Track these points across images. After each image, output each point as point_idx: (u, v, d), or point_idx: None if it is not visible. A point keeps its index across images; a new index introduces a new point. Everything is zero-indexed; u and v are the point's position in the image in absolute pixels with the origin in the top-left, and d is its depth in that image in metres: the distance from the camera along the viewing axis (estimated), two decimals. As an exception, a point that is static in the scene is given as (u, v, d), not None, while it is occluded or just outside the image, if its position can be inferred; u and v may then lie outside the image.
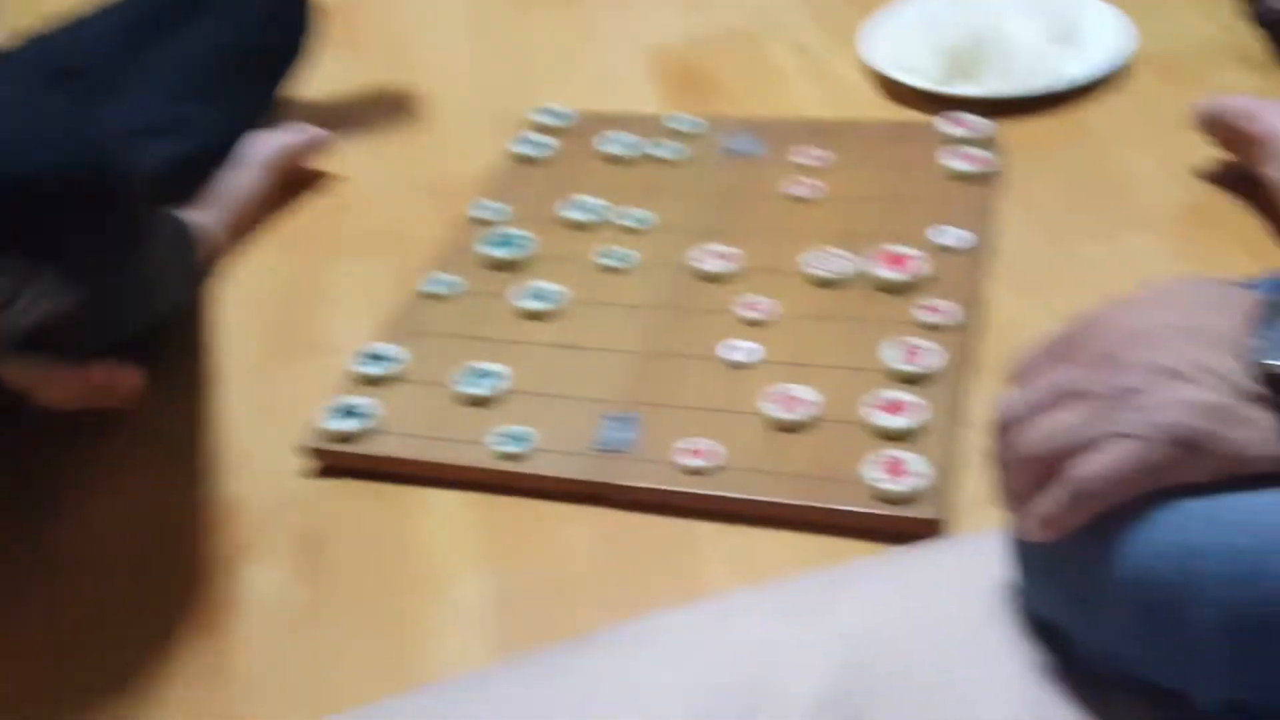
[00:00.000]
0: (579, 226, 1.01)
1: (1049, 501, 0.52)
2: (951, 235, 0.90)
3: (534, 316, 0.92)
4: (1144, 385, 0.50)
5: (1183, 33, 1.15)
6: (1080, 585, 0.54)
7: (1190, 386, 0.49)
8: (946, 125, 1.03)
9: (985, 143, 1.01)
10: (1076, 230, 0.93)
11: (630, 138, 1.09)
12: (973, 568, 0.65)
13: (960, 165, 0.98)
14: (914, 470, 0.71)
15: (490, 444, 0.81)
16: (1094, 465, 0.50)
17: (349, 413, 0.84)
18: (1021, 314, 0.86)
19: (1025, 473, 0.54)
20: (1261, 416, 0.48)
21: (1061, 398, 0.52)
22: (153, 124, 1.02)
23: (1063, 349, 0.55)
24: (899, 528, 0.71)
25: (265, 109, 1.15)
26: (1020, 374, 0.57)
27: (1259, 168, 0.87)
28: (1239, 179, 0.94)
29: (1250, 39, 1.12)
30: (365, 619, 0.74)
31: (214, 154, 1.07)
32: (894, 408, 0.76)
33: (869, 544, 0.71)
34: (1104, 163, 1.00)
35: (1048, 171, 1.00)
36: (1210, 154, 0.96)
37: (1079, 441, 0.51)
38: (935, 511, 0.70)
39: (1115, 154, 1.01)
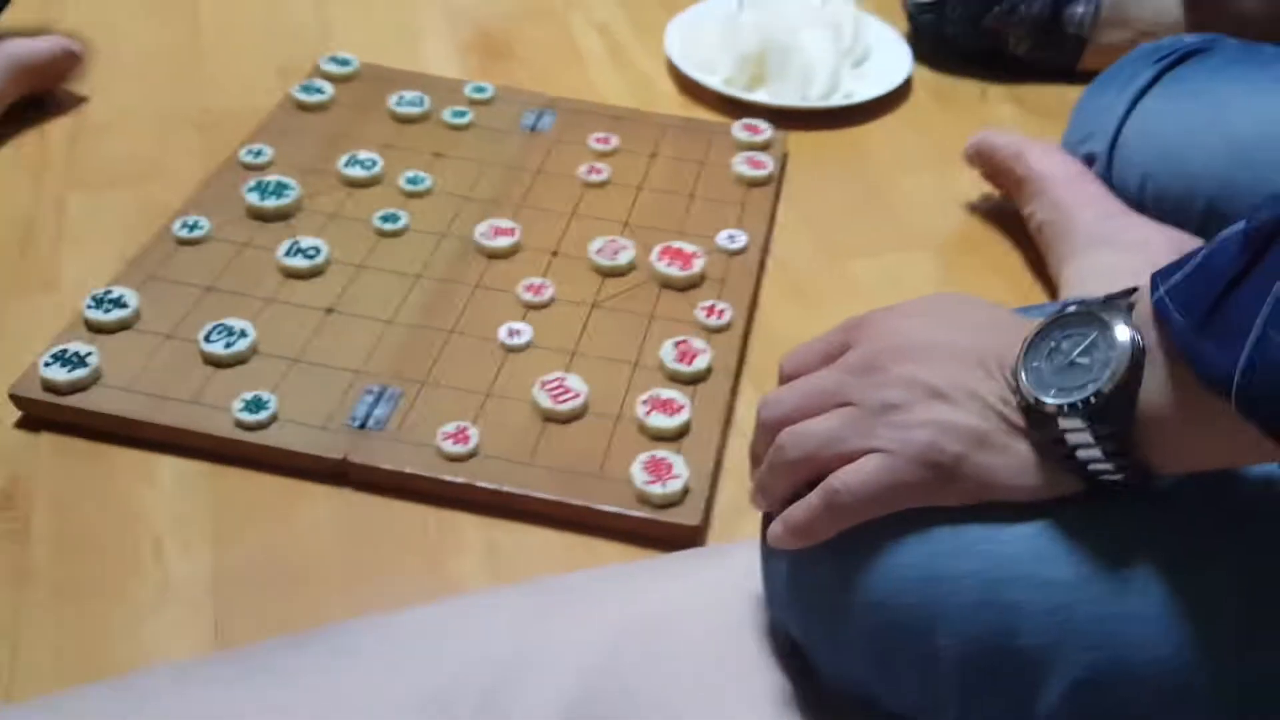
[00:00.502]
0: (355, 183, 0.88)
1: (802, 509, 0.47)
2: (734, 237, 0.84)
3: (295, 274, 0.79)
4: (904, 401, 0.45)
5: (958, 65, 1.14)
6: (822, 606, 0.49)
7: (950, 408, 0.45)
8: (739, 129, 0.97)
9: (773, 150, 0.96)
10: (848, 244, 0.90)
11: (420, 97, 0.98)
12: (728, 579, 0.59)
13: (747, 170, 0.92)
14: (679, 473, 0.64)
15: (227, 409, 0.68)
16: (847, 477, 0.46)
17: (69, 360, 0.69)
18: (791, 322, 0.81)
19: (782, 475, 0.49)
20: (1019, 446, 0.44)
21: (826, 401, 0.48)
22: None
23: (834, 351, 0.50)
24: (659, 532, 0.64)
25: None
26: (789, 371, 0.52)
27: (1022, 205, 0.86)
28: (1002, 212, 0.93)
29: (1024, 73, 1.13)
30: (68, 593, 0.61)
31: None
32: (665, 406, 0.68)
33: (629, 547, 0.64)
34: (879, 181, 0.97)
35: (827, 185, 0.96)
36: (977, 183, 0.95)
37: (836, 450, 0.46)
38: (696, 518, 0.63)
39: (890, 174, 0.98)
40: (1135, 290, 0.43)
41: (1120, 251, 0.76)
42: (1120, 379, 0.40)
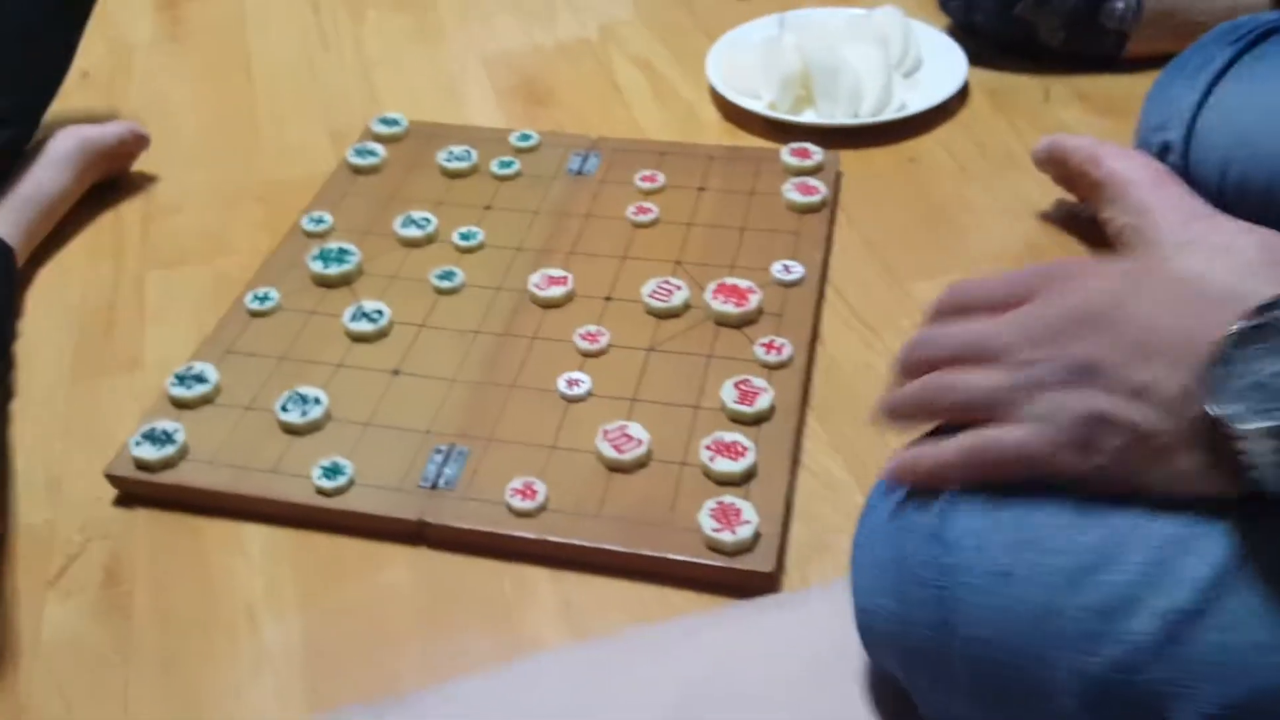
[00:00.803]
0: (411, 243, 0.91)
1: (937, 453, 0.47)
2: (789, 268, 0.85)
3: (361, 338, 0.82)
4: (1076, 381, 0.44)
5: (1018, 65, 1.12)
6: (925, 643, 0.48)
7: (1124, 401, 0.43)
8: (787, 154, 0.97)
9: (824, 173, 0.96)
10: (911, 266, 0.89)
11: (467, 150, 1.00)
12: (807, 625, 0.59)
13: (799, 196, 0.92)
14: (748, 519, 0.65)
15: (306, 476, 0.71)
16: (1001, 437, 0.45)
17: (157, 438, 0.73)
18: (855, 352, 0.81)
19: (923, 413, 0.49)
20: (1183, 457, 0.42)
21: (991, 357, 0.47)
22: None
23: (1013, 297, 0.48)
24: (732, 580, 0.64)
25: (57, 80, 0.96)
26: (954, 306, 0.50)
27: (1100, 210, 0.84)
28: (1077, 219, 0.92)
29: (1086, 70, 1.11)
30: (172, 666, 0.64)
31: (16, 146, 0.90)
32: (729, 450, 0.69)
33: (702, 595, 0.65)
34: (939, 196, 0.97)
35: (884, 204, 0.96)
36: (1047, 190, 0.94)
37: (994, 412, 0.46)
38: (769, 564, 0.64)
39: (951, 188, 0.98)
40: None
41: (1207, 255, 0.73)
42: None
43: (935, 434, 0.50)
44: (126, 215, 0.99)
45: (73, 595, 0.68)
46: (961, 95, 1.08)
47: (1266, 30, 0.80)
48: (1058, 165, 0.88)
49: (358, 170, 1.00)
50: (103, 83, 1.19)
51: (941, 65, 1.10)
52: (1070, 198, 0.93)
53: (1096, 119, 1.05)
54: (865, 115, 1.03)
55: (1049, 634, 0.43)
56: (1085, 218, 0.89)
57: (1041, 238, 0.91)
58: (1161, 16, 1.08)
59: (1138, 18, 1.07)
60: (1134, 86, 1.03)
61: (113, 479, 0.73)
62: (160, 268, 0.94)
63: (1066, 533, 0.44)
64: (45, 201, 0.92)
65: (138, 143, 1.02)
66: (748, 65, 1.10)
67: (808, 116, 1.05)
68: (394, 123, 1.05)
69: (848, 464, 0.73)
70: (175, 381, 0.78)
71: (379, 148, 1.01)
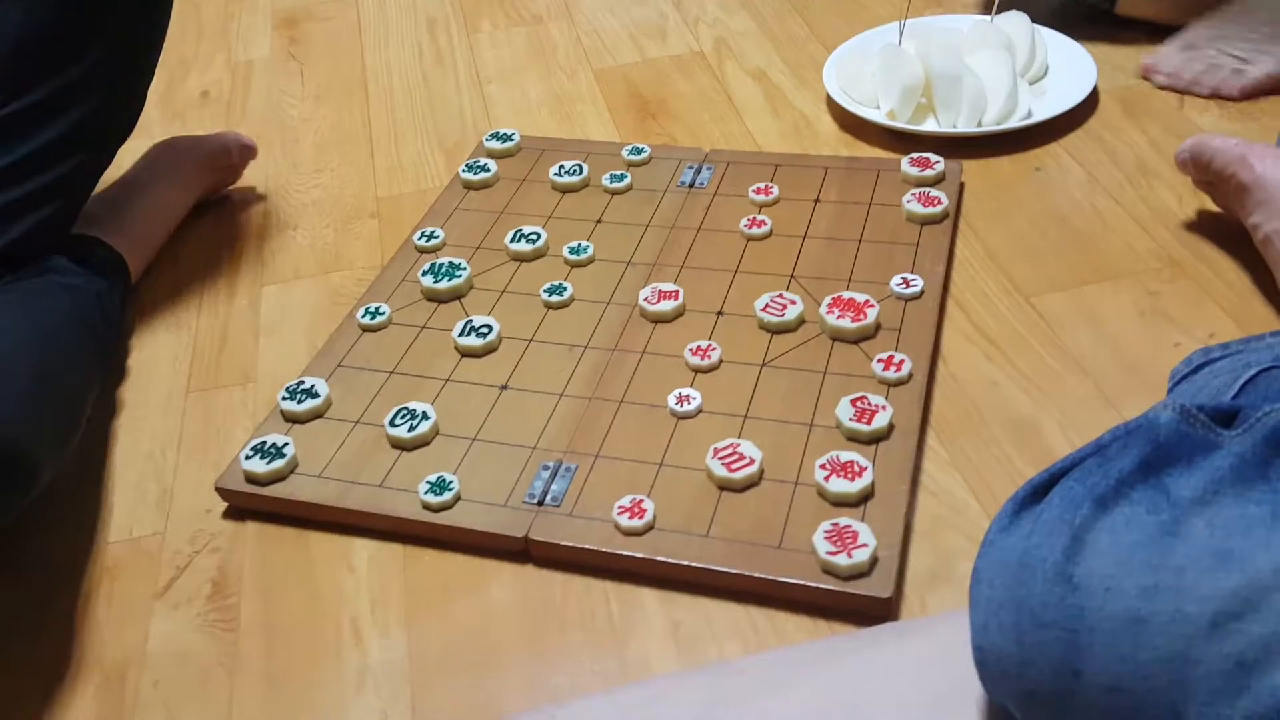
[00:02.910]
0: (521, 257, 0.91)
1: None
2: (909, 282, 0.82)
3: (470, 353, 0.82)
4: None
5: (1138, 66, 1.07)
6: (1050, 689, 0.45)
7: None
8: (908, 165, 0.94)
9: (946, 184, 0.93)
10: (1037, 278, 0.85)
11: (578, 165, 1.00)
12: (928, 656, 0.56)
13: (919, 208, 0.89)
14: (865, 541, 0.62)
15: (414, 491, 0.71)
16: None
17: (268, 452, 0.75)
18: (978, 368, 0.78)
19: None
20: None
21: None
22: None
23: None
24: (849, 605, 0.62)
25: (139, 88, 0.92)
26: None
27: (1246, 216, 0.79)
28: (1218, 227, 0.86)
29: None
30: (277, 679, 0.64)
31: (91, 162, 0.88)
32: (845, 469, 0.67)
33: (817, 621, 0.62)
34: (1067, 207, 0.92)
35: (1010, 215, 0.92)
36: (1184, 199, 0.88)
37: None
38: (888, 589, 0.61)
39: (1080, 197, 0.93)
40: None
41: None
42: None
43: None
44: (243, 230, 1.03)
45: (180, 607, 0.69)
46: (1090, 103, 1.04)
47: None
48: (1201, 168, 0.83)
49: (470, 185, 1.01)
50: (222, 101, 1.24)
51: (1069, 72, 1.06)
52: (1211, 207, 0.87)
53: (1233, 124, 0.99)
54: (989, 124, 1.00)
55: (1184, 684, 0.41)
56: (1228, 227, 0.84)
57: (1179, 250, 0.86)
58: None
59: None
60: (1272, 93, 0.97)
61: (223, 492, 0.74)
62: (275, 282, 0.96)
63: (1207, 576, 0.41)
64: (153, 214, 0.95)
65: (244, 153, 1.05)
66: (866, 74, 1.07)
67: (929, 125, 1.02)
68: (506, 138, 1.06)
69: (970, 485, 0.69)
70: (286, 395, 0.79)
71: (491, 163, 1.02)
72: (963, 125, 1.00)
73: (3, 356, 0.69)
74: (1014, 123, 1.00)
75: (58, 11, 0.82)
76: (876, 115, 1.03)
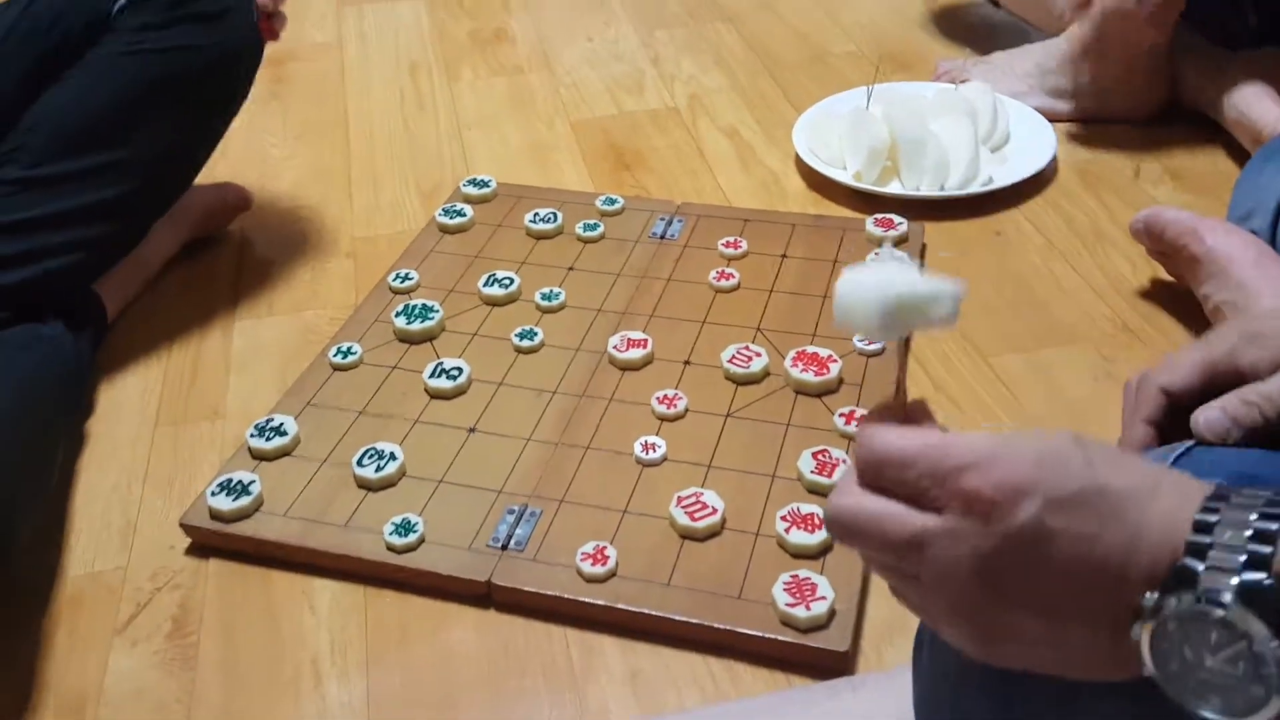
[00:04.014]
0: (494, 301, 0.91)
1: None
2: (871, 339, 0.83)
3: (439, 395, 0.82)
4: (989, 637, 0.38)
5: (1108, 141, 1.10)
6: None
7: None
8: (872, 225, 0.96)
9: (909, 244, 0.94)
10: (996, 340, 0.87)
11: (553, 213, 1.01)
12: (883, 710, 0.56)
13: (883, 265, 0.90)
14: (823, 594, 0.62)
15: (378, 532, 0.70)
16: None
17: (233, 489, 0.74)
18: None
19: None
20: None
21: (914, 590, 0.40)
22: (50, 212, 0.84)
23: (928, 493, 0.38)
24: (807, 658, 0.62)
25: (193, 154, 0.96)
26: (875, 473, 0.40)
27: (1197, 287, 0.81)
28: (1171, 295, 0.88)
29: (1178, 149, 1.08)
30: (229, 719, 0.63)
31: (131, 229, 0.91)
32: (805, 522, 0.67)
33: (775, 673, 0.62)
34: (1026, 271, 0.94)
35: (970, 277, 0.94)
36: (1138, 267, 0.90)
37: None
38: (845, 643, 0.61)
39: (1038, 262, 0.95)
40: (1271, 549, 0.32)
41: None
42: None
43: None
44: (219, 267, 1.02)
45: (139, 643, 0.68)
46: (1050, 171, 1.06)
47: None
48: (1155, 238, 0.85)
49: (445, 229, 1.01)
50: (207, 141, 1.23)
51: (1029, 141, 1.08)
52: (1164, 275, 0.89)
53: (1188, 197, 1.02)
54: (951, 188, 1.02)
55: None
56: (1179, 296, 0.86)
57: (1133, 317, 0.88)
58: None
59: None
60: (1229, 168, 1.00)
61: (187, 528, 0.73)
62: (248, 318, 0.95)
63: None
64: (138, 258, 0.95)
65: (239, 204, 1.05)
66: (834, 136, 1.09)
67: (893, 188, 1.03)
68: (483, 184, 1.06)
69: (930, 543, 0.70)
70: (255, 433, 0.78)
71: (467, 208, 1.03)
72: (926, 189, 1.02)
73: None
74: (975, 188, 1.02)
75: (115, 99, 0.85)
76: (843, 176, 1.05)
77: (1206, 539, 0.33)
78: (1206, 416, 0.50)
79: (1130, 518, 0.34)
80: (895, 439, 0.38)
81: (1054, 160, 1.06)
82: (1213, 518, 0.33)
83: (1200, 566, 0.32)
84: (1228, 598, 0.32)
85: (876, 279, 0.41)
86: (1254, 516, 0.32)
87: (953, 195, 1.01)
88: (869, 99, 1.12)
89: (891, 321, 0.41)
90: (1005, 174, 1.04)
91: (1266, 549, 0.32)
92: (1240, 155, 0.93)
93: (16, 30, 0.86)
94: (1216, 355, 0.52)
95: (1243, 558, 0.32)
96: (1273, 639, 0.31)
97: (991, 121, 1.09)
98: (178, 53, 0.86)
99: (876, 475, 0.39)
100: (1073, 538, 0.35)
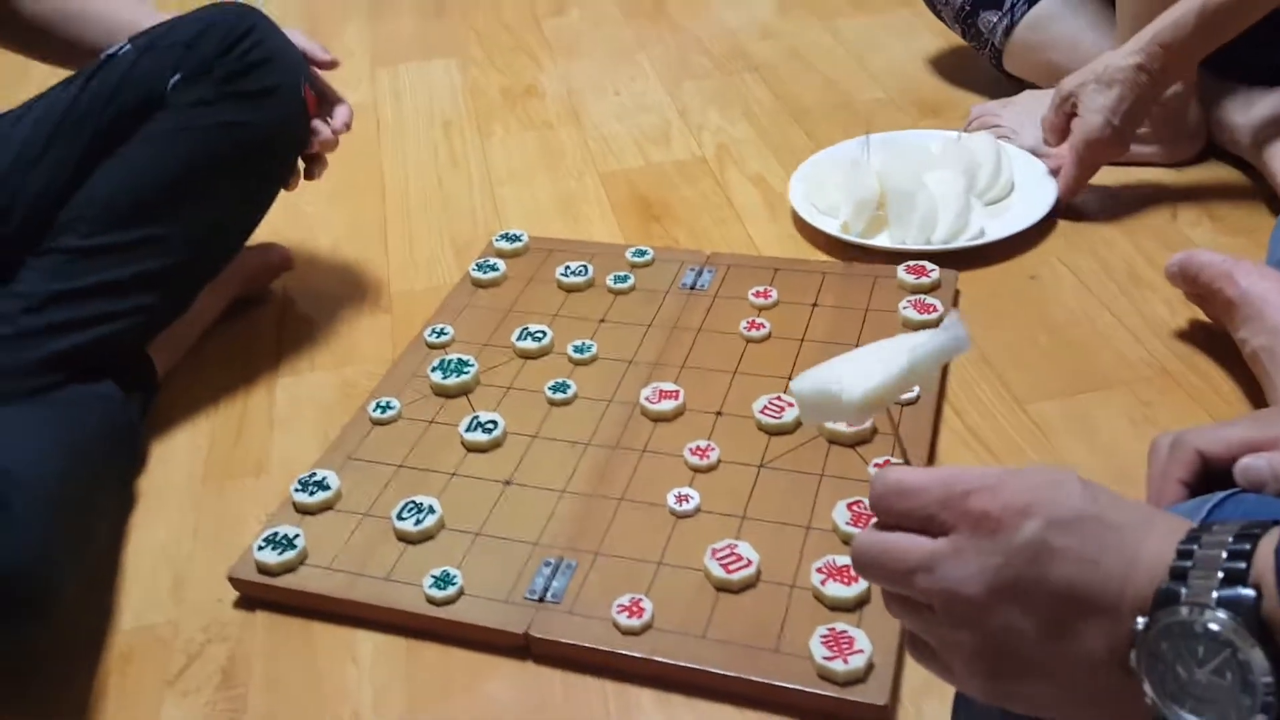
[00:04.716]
0: (527, 355, 0.93)
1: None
2: (903, 384, 0.84)
3: (475, 449, 0.83)
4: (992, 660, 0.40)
5: (1145, 183, 1.11)
6: None
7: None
8: (903, 272, 0.97)
9: (941, 291, 0.95)
10: (1031, 386, 0.87)
11: (584, 265, 1.03)
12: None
13: (915, 314, 0.91)
14: (861, 647, 0.63)
15: (418, 584, 0.72)
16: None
17: (279, 542, 0.75)
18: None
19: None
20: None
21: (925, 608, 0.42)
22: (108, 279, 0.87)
23: (937, 519, 0.41)
24: (845, 712, 0.62)
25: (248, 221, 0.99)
26: (887, 511, 0.44)
27: (1234, 330, 0.81)
28: (1209, 339, 0.88)
29: (1216, 192, 1.08)
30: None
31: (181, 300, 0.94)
32: (841, 574, 0.68)
33: (810, 725, 0.63)
34: (1061, 316, 0.95)
35: (1004, 323, 0.94)
36: (1175, 310, 0.90)
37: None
38: (884, 696, 0.61)
39: (1073, 306, 0.95)
40: (1245, 564, 0.34)
41: None
42: (1273, 711, 0.34)
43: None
44: (262, 325, 1.05)
45: (189, 695, 0.70)
46: (1082, 213, 1.06)
47: None
48: (1190, 281, 0.85)
49: (479, 284, 1.04)
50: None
51: (1033, 192, 1.07)
52: (1202, 317, 0.89)
53: (1227, 240, 1.02)
54: (938, 241, 1.02)
55: None
56: (1218, 339, 0.86)
57: (1170, 360, 0.88)
58: (1024, 49, 1.20)
59: (1008, 36, 1.21)
60: (1269, 210, 1.00)
61: (234, 581, 0.75)
62: (290, 375, 0.98)
63: None
64: (187, 320, 0.97)
65: (282, 264, 1.09)
66: (831, 184, 1.10)
67: (881, 240, 1.04)
68: (515, 238, 1.09)
69: (966, 592, 0.70)
70: (299, 487, 0.80)
71: (500, 262, 1.05)
72: (911, 242, 1.02)
73: (31, 487, 0.71)
74: (962, 242, 1.02)
75: (167, 174, 0.89)
76: (831, 225, 1.06)
77: (1187, 564, 0.36)
78: (1247, 463, 0.51)
79: (1128, 547, 0.38)
80: (907, 472, 0.43)
81: (1053, 212, 1.05)
82: (1193, 546, 0.36)
83: (1183, 589, 0.35)
84: (1209, 610, 0.34)
85: (815, 376, 0.48)
86: (1230, 539, 0.35)
87: (939, 249, 1.00)
88: (866, 148, 1.13)
89: (807, 414, 0.46)
90: (999, 227, 1.03)
91: (1241, 565, 0.34)
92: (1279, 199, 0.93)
93: (76, 107, 0.89)
94: (1262, 439, 0.53)
95: (1220, 574, 0.34)
96: (1254, 644, 0.33)
97: (993, 173, 1.09)
98: (229, 129, 0.90)
99: (890, 509, 0.43)
100: (1074, 559, 0.38)
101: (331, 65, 1.00)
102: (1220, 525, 0.36)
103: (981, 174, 1.08)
